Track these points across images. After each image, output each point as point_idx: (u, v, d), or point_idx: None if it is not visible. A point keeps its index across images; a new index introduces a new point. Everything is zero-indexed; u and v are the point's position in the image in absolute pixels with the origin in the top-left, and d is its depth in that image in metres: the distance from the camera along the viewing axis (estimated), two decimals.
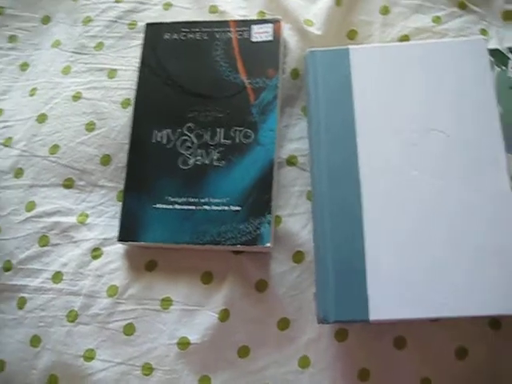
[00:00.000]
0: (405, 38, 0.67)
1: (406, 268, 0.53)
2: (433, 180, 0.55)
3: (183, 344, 0.59)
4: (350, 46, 0.61)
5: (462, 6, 0.68)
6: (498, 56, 0.65)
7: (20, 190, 0.67)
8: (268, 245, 0.58)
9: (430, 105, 0.58)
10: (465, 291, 0.51)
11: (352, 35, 0.68)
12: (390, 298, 0.52)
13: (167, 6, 0.73)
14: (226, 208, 0.60)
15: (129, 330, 0.60)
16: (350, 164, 0.57)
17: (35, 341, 0.61)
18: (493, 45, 0.66)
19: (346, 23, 0.68)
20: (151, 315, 0.60)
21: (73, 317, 0.61)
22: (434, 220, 0.54)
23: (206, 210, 0.60)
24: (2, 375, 0.61)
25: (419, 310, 0.52)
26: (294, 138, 0.65)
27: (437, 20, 0.67)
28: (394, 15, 0.68)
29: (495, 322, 0.57)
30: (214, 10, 0.71)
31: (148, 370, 0.59)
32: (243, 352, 0.58)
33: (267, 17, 0.69)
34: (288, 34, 0.68)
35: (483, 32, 0.67)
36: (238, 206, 0.60)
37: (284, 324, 0.59)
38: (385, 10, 0.68)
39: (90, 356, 0.60)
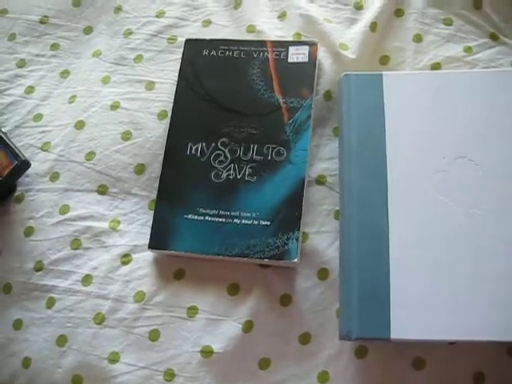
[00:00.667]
0: (436, 66, 0.68)
1: (428, 291, 0.54)
2: (459, 207, 0.56)
3: (206, 352, 0.60)
4: (383, 72, 0.63)
5: (494, 38, 0.69)
6: None
7: (55, 194, 0.69)
8: (295, 260, 0.59)
9: (460, 133, 0.59)
10: (485, 317, 0.53)
11: (385, 60, 0.70)
12: (411, 319, 0.53)
13: (206, 23, 0.75)
14: (256, 222, 0.61)
15: (154, 335, 0.62)
16: (379, 189, 0.58)
17: (61, 340, 0.63)
18: None
19: (379, 49, 0.70)
20: (177, 322, 0.62)
21: (100, 319, 0.63)
22: (459, 246, 0.55)
23: (236, 223, 0.62)
24: (28, 372, 0.62)
25: (439, 332, 0.53)
26: (324, 158, 0.66)
27: (468, 50, 0.69)
28: (426, 43, 0.70)
29: None
30: (251, 29, 0.73)
31: (170, 375, 0.60)
32: (264, 364, 0.60)
33: (303, 39, 0.71)
34: (323, 56, 0.69)
35: None
36: (268, 220, 0.61)
37: (305, 338, 0.60)
38: (418, 38, 0.70)
39: (114, 359, 0.61)
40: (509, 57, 0.69)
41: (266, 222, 0.61)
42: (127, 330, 0.62)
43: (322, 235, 0.63)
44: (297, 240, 0.60)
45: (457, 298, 0.54)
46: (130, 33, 0.76)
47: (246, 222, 0.62)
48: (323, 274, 0.62)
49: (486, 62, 0.68)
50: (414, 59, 0.69)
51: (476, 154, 0.58)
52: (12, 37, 0.79)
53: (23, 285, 0.65)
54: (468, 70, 0.67)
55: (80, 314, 0.63)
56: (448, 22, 0.70)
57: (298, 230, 0.60)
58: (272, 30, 0.73)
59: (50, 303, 0.64)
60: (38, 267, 0.66)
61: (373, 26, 0.70)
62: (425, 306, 0.54)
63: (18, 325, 0.64)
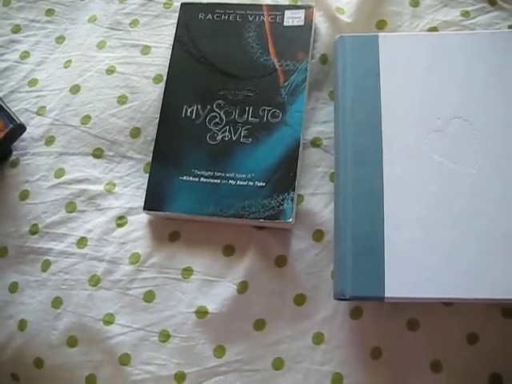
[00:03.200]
0: (433, 30, 0.68)
1: (423, 250, 0.54)
2: (454, 166, 0.56)
3: (201, 313, 0.60)
4: (379, 33, 0.63)
5: (492, 2, 0.69)
6: None
7: (50, 157, 0.69)
8: (290, 220, 0.60)
9: (455, 93, 0.59)
10: (479, 275, 0.53)
11: (381, 25, 0.69)
12: (405, 278, 0.54)
13: None
14: (251, 183, 0.61)
15: (149, 296, 0.62)
16: (373, 147, 0.58)
17: (57, 302, 0.63)
18: None
19: (376, 13, 0.70)
20: (171, 284, 0.62)
21: (95, 281, 0.63)
22: (452, 204, 0.55)
23: (231, 184, 0.62)
24: (24, 334, 0.62)
25: (433, 291, 0.53)
26: (319, 121, 0.66)
27: (466, 14, 0.68)
28: (423, 7, 0.69)
29: (507, 310, 0.57)
30: None
31: (165, 336, 0.60)
32: (259, 325, 0.60)
33: (300, 3, 0.71)
34: (319, 20, 0.69)
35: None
36: (263, 181, 0.61)
37: (300, 300, 0.60)
38: (415, 3, 0.70)
39: (109, 320, 0.61)
40: (507, 21, 0.68)
41: (261, 183, 0.61)
42: (122, 292, 0.62)
43: (317, 197, 0.63)
44: (292, 200, 0.60)
45: (451, 256, 0.54)
46: None
47: (241, 183, 0.62)
48: (318, 235, 0.62)
49: (484, 26, 0.68)
50: (410, 24, 0.69)
51: (471, 114, 0.58)
52: (7, 2, 0.79)
53: (19, 248, 0.66)
54: (466, 31, 0.66)
55: (75, 276, 0.63)
56: None
57: (293, 190, 0.60)
58: None
59: (46, 266, 0.64)
60: (34, 230, 0.66)
61: None
62: (419, 265, 0.54)
63: (13, 288, 0.64)
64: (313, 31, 0.67)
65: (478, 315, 0.57)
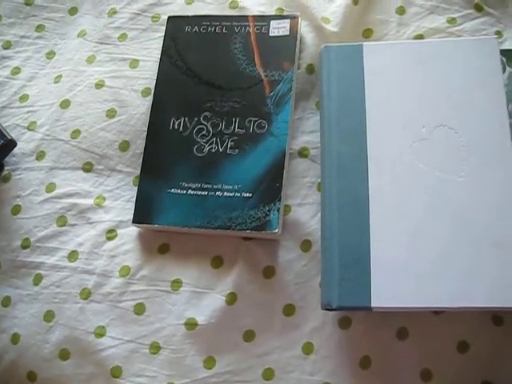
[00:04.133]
0: (419, 38, 0.68)
1: (409, 258, 0.54)
2: (439, 174, 0.56)
3: (190, 325, 0.61)
4: (363, 43, 0.63)
5: (478, 8, 0.69)
6: (511, 57, 0.66)
7: (41, 172, 0.69)
8: (276, 231, 0.60)
9: (440, 101, 0.59)
10: (467, 283, 0.52)
11: (368, 34, 0.69)
12: (392, 287, 0.53)
13: (190, 0, 0.75)
14: (238, 194, 0.62)
15: (139, 309, 0.62)
16: (359, 156, 0.58)
17: (49, 316, 0.63)
18: (508, 46, 0.67)
19: (362, 22, 0.70)
20: (161, 296, 0.62)
21: (86, 294, 0.63)
22: (438, 213, 0.55)
23: (218, 195, 0.62)
24: (17, 347, 0.63)
25: (421, 300, 0.53)
26: (306, 131, 0.66)
27: (452, 21, 0.68)
28: (409, 15, 0.69)
29: (498, 317, 0.57)
30: (234, 5, 0.73)
31: (155, 348, 0.61)
32: (248, 336, 0.60)
33: (285, 13, 0.71)
34: (305, 30, 0.69)
35: (499, 34, 0.67)
36: (250, 192, 0.61)
37: (289, 310, 0.60)
38: (401, 10, 0.70)
39: (100, 333, 0.62)
40: (493, 27, 0.68)
41: (247, 194, 0.61)
42: (113, 305, 0.63)
43: (304, 207, 0.63)
44: (278, 211, 0.60)
45: (438, 264, 0.53)
46: (115, 12, 0.76)
47: (228, 194, 0.62)
48: (306, 245, 0.62)
49: (470, 32, 0.68)
50: (396, 32, 0.69)
51: (456, 122, 0.58)
52: None
53: (11, 262, 0.66)
54: (448, 38, 0.66)
55: (66, 290, 0.64)
56: None
57: (279, 201, 0.61)
58: (254, 5, 0.73)
59: (38, 280, 0.65)
60: (25, 244, 0.66)
61: (355, 0, 0.70)
62: (406, 274, 0.54)
63: (6, 302, 0.65)
64: (298, 41, 0.67)
65: (469, 323, 0.57)
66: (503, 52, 0.63)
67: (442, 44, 0.62)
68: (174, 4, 0.75)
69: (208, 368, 0.59)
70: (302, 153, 0.65)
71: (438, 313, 0.58)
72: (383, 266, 0.54)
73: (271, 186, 0.61)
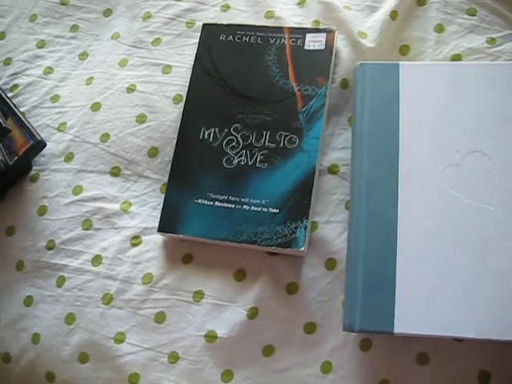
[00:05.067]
0: (457, 58, 0.66)
1: (435, 285, 0.53)
2: (471, 201, 0.55)
3: (210, 337, 0.60)
4: (400, 62, 0.62)
5: None
6: None
7: (69, 174, 0.70)
8: (302, 249, 0.59)
9: (476, 126, 0.58)
10: (494, 314, 0.52)
11: (404, 51, 0.68)
12: (416, 313, 0.53)
13: (225, 7, 0.74)
14: (265, 209, 0.61)
15: (160, 318, 0.62)
16: (389, 178, 0.57)
17: (70, 318, 0.64)
18: None
19: (399, 38, 0.69)
20: (182, 306, 0.62)
21: (108, 300, 0.64)
22: (467, 241, 0.54)
23: (245, 209, 0.62)
24: (37, 347, 0.64)
25: (444, 328, 0.52)
26: (337, 147, 0.66)
27: (491, 41, 0.67)
28: (448, 34, 0.68)
29: None
30: (270, 15, 0.72)
31: (174, 358, 0.61)
32: (268, 351, 0.60)
33: (322, 26, 0.70)
34: (341, 44, 0.69)
35: None
36: (277, 208, 0.61)
37: (310, 328, 0.60)
38: (439, 28, 0.68)
39: (120, 339, 0.62)
40: None
41: (274, 210, 0.61)
42: (134, 312, 0.63)
43: (331, 225, 0.63)
44: (305, 229, 0.60)
45: (463, 294, 0.53)
46: (149, 16, 0.76)
47: (255, 208, 0.62)
48: (331, 264, 0.61)
49: (510, 54, 0.66)
50: (434, 50, 0.68)
51: (491, 148, 0.57)
52: (33, 17, 0.81)
53: (35, 263, 0.67)
54: (485, 62, 0.65)
55: (88, 294, 0.64)
56: (472, 12, 0.69)
57: (307, 218, 0.60)
58: (291, 16, 0.72)
59: (60, 282, 0.65)
60: (50, 246, 0.67)
61: (393, 15, 0.69)
62: (430, 301, 0.53)
63: (28, 301, 0.65)
64: (333, 56, 0.67)
65: (492, 353, 0.56)
66: None
67: (481, 67, 0.61)
68: (209, 11, 0.74)
69: (225, 381, 0.59)
70: (332, 169, 0.65)
71: (460, 340, 0.57)
72: (408, 291, 0.53)
73: (299, 202, 0.61)
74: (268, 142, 0.64)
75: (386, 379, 0.57)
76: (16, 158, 0.68)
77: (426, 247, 0.55)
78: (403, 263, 0.54)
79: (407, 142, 0.58)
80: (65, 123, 0.72)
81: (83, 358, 0.62)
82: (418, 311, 0.53)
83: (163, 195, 0.66)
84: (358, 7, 0.71)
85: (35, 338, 0.64)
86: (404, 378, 0.57)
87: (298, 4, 0.73)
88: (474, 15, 0.69)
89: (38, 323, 0.64)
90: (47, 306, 0.65)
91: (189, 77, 0.69)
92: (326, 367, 0.58)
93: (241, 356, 0.60)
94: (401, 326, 0.53)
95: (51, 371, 0.63)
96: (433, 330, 0.52)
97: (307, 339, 0.60)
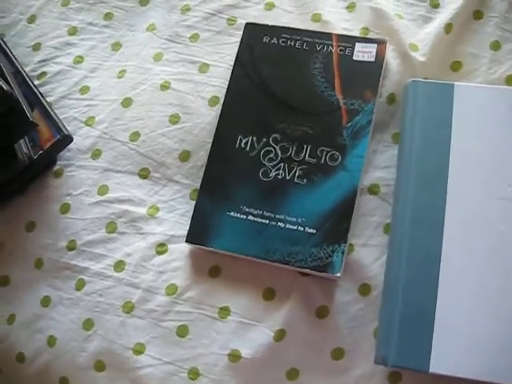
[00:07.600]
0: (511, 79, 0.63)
1: (477, 327, 0.51)
2: None
3: (234, 356, 0.58)
4: (455, 83, 0.59)
5: None
6: None
7: (95, 172, 0.67)
8: (338, 275, 0.56)
9: None
10: None
11: (456, 67, 0.65)
12: (454, 354, 0.51)
13: (269, 6, 0.71)
14: (301, 228, 0.58)
15: (182, 331, 0.60)
16: (436, 206, 0.55)
17: (88, 324, 0.62)
18: None
19: (452, 53, 0.65)
20: (207, 321, 0.60)
21: (129, 308, 0.61)
22: None
23: (279, 226, 0.59)
24: (52, 351, 0.62)
25: (484, 373, 0.50)
26: (379, 166, 0.62)
27: None
28: (504, 52, 0.64)
29: None
30: (316, 18, 0.69)
31: (194, 374, 0.58)
32: (292, 375, 0.57)
33: (371, 34, 0.66)
34: (390, 55, 0.65)
35: None
36: (314, 228, 0.58)
37: (338, 354, 0.57)
38: (495, 46, 0.65)
39: (139, 350, 0.60)
40: None
41: (311, 230, 0.58)
42: (155, 323, 0.60)
43: (368, 248, 0.60)
44: (342, 253, 0.57)
45: (507, 338, 0.50)
46: (188, 9, 0.73)
47: (291, 226, 0.59)
48: (365, 289, 0.59)
49: None
50: (488, 68, 0.64)
51: None
52: (66, 2, 0.77)
53: (54, 262, 0.64)
54: None
55: (109, 300, 0.62)
56: None
57: (345, 242, 0.57)
58: (338, 21, 0.68)
59: (80, 285, 0.63)
60: (71, 246, 0.64)
61: (447, 28, 0.65)
62: (471, 341, 0.50)
63: (46, 302, 0.63)
64: (383, 70, 0.63)
65: None
66: None
67: None
68: (252, 8, 0.71)
69: None
70: (373, 190, 0.61)
71: None
72: (447, 329, 0.51)
73: (338, 225, 0.58)
74: (308, 156, 0.61)
75: None
76: (41, 152, 0.65)
77: (471, 283, 0.52)
78: (444, 298, 0.52)
79: (458, 168, 0.56)
80: (93, 118, 0.69)
81: (100, 367, 0.60)
82: (457, 351, 0.51)
83: (193, 202, 0.63)
84: (411, 16, 0.67)
85: (51, 341, 0.62)
86: None
87: (347, 8, 0.69)
88: None
89: (55, 326, 0.62)
90: (65, 308, 0.63)
91: (227, 78, 0.66)
92: None
93: (264, 378, 0.58)
94: (437, 366, 0.50)
95: (65, 376, 0.61)
96: (471, 374, 0.50)
97: (334, 365, 0.57)
